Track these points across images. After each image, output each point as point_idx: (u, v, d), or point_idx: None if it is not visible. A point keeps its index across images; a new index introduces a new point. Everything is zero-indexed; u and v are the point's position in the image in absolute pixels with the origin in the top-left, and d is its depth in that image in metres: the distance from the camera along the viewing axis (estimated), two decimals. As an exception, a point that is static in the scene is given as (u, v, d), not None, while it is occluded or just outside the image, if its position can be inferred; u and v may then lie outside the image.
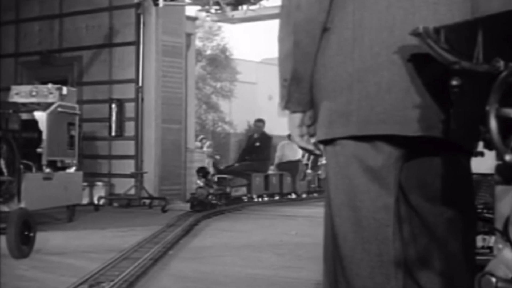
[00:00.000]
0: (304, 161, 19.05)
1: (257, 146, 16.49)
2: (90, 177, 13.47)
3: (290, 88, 2.57)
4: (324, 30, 2.50)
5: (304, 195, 17.88)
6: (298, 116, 2.63)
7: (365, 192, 2.46)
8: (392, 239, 2.48)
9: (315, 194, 18.22)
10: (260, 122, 17.35)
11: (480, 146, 2.04)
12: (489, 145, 1.86)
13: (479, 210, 4.82)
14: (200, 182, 13.47)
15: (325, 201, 2.63)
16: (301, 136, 2.66)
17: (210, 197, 12.80)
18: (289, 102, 2.61)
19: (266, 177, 16.27)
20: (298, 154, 17.73)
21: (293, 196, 17.43)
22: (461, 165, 2.55)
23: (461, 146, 2.46)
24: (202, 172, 13.71)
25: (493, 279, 1.76)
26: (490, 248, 4.86)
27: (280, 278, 6.15)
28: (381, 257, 2.45)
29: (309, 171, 18.99)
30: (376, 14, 2.41)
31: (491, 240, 4.86)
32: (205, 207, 12.34)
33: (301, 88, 2.56)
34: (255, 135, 17.07)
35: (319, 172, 18.96)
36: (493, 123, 1.79)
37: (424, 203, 2.53)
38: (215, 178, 14.27)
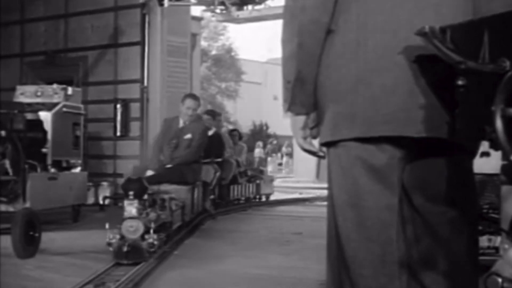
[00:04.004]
0: None
1: (188, 139, 9.85)
2: (95, 177, 13.47)
3: (293, 90, 2.56)
4: (328, 32, 2.50)
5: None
6: (301, 119, 2.63)
7: (369, 192, 2.46)
8: (395, 239, 2.48)
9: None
10: (192, 99, 10.24)
11: (486, 147, 2.04)
12: (495, 145, 1.85)
13: (485, 210, 4.82)
14: (131, 208, 6.92)
15: (327, 202, 2.63)
16: (305, 138, 2.65)
17: (148, 236, 6.76)
18: (292, 104, 2.60)
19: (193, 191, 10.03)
20: None
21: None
22: (463, 165, 2.56)
23: (464, 147, 2.46)
24: (136, 188, 7.09)
25: (499, 279, 1.76)
26: (496, 248, 4.86)
27: (286, 279, 6.15)
28: (385, 257, 2.45)
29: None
30: (380, 15, 2.41)
31: (497, 240, 4.85)
32: (141, 256, 6.56)
33: (304, 90, 2.56)
34: (182, 123, 10.00)
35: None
36: (499, 123, 1.79)
37: (427, 203, 2.53)
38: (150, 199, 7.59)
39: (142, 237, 6.72)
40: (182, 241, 8.27)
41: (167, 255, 7.12)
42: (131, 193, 7.00)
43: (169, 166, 9.57)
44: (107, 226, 6.67)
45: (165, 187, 8.80)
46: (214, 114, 13.89)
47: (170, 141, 9.78)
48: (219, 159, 12.48)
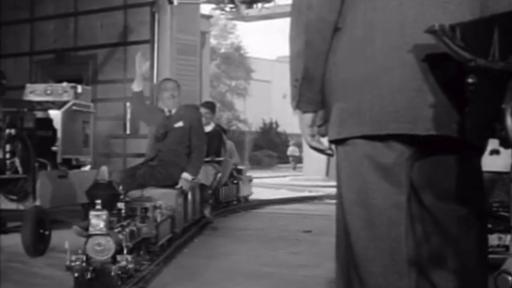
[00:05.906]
0: None
1: (179, 127, 8.42)
2: (105, 175, 13.46)
3: (301, 88, 2.57)
4: (335, 30, 2.50)
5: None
6: (309, 116, 2.63)
7: (377, 190, 2.46)
8: (404, 237, 2.48)
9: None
10: (167, 80, 9.53)
11: (496, 144, 2.04)
12: (505, 143, 1.85)
13: (495, 209, 4.81)
14: (98, 221, 5.22)
15: (337, 200, 2.63)
16: (312, 136, 2.65)
17: (121, 258, 5.18)
18: (300, 102, 2.61)
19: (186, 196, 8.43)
20: None
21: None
22: (472, 163, 2.55)
23: (472, 144, 2.45)
24: (105, 195, 5.48)
25: (509, 278, 1.75)
26: (506, 246, 4.85)
27: (296, 277, 6.15)
28: (393, 255, 2.45)
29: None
30: (387, 13, 2.41)
31: (507, 238, 4.84)
32: (110, 284, 5.03)
33: (312, 87, 2.56)
34: (167, 112, 8.61)
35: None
36: (509, 121, 1.78)
37: (435, 201, 2.53)
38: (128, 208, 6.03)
39: (114, 259, 5.15)
40: (193, 239, 8.26)
41: (177, 253, 7.12)
42: (98, 201, 5.29)
43: (152, 164, 8.20)
44: (66, 245, 5.09)
45: (148, 191, 7.47)
46: (213, 107, 12.23)
47: (155, 133, 8.40)
48: (221, 158, 11.25)
